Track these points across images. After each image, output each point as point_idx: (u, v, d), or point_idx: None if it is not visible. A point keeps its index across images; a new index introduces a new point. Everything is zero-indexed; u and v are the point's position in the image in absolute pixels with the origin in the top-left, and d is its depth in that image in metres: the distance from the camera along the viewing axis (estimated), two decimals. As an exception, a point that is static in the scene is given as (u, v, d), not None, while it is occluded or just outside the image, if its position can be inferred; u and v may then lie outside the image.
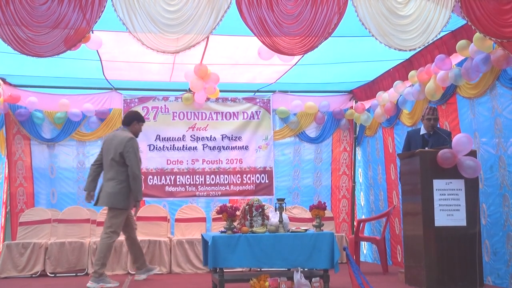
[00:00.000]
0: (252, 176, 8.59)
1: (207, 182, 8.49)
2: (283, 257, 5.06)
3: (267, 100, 8.75)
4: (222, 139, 8.59)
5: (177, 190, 8.39)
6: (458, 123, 6.08)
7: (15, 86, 7.93)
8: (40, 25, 4.39)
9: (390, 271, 6.75)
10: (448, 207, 5.16)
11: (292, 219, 7.33)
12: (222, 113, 8.63)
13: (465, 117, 5.96)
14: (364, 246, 8.76)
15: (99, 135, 8.42)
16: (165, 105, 8.47)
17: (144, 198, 7.65)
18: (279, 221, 5.24)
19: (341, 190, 9.01)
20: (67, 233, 7.32)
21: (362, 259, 8.14)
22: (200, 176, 8.48)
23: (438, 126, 5.76)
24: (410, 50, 4.79)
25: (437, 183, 5.18)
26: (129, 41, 5.02)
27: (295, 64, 7.05)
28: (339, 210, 8.96)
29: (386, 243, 7.26)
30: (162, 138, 8.38)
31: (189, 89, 8.04)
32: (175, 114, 8.47)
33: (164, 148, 8.41)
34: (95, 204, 6.22)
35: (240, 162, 8.61)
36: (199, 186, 8.46)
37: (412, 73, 6.61)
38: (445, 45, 5.95)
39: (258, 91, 8.72)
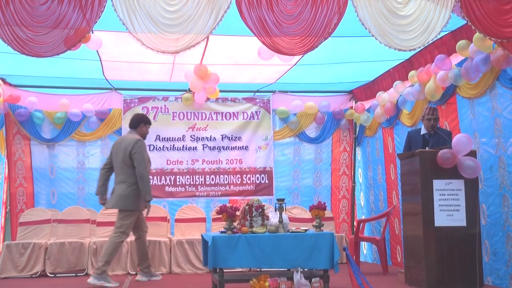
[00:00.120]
0: (252, 176, 8.59)
1: (207, 182, 8.48)
2: (283, 257, 5.05)
3: (267, 100, 8.75)
4: (222, 139, 8.59)
5: (177, 190, 8.39)
6: (458, 123, 6.08)
7: (15, 86, 7.94)
8: (40, 25, 4.39)
9: (390, 271, 6.75)
10: (448, 207, 5.16)
11: (292, 219, 7.33)
12: (222, 113, 8.63)
13: (465, 117, 5.96)
14: (364, 246, 8.76)
15: (99, 135, 8.44)
16: (165, 105, 8.47)
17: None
18: (279, 221, 5.24)
19: (341, 190, 9.01)
20: (67, 233, 7.31)
21: (362, 259, 8.14)
22: (200, 176, 8.48)
23: (439, 126, 5.76)
24: (410, 50, 4.79)
25: (437, 183, 5.18)
26: (129, 41, 5.02)
27: (295, 64, 7.05)
28: (339, 210, 8.96)
29: (386, 243, 7.25)
30: (162, 138, 8.38)
31: (189, 89, 8.04)
32: (175, 114, 8.47)
33: (164, 148, 8.40)
34: (106, 207, 6.30)
35: (240, 162, 8.61)
36: (199, 186, 8.46)
37: (412, 73, 6.61)
38: (445, 45, 5.95)
39: (258, 91, 8.72)
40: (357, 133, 9.06)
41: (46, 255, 6.99)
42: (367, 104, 8.45)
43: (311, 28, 4.62)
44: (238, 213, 5.34)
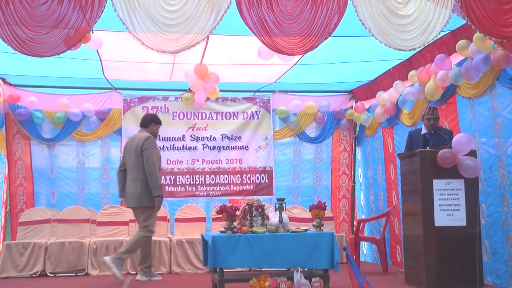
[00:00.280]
0: (252, 176, 8.59)
1: (207, 182, 8.48)
2: (283, 257, 5.05)
3: (267, 100, 8.75)
4: (222, 139, 8.59)
5: (177, 190, 8.39)
6: (458, 123, 6.08)
7: (15, 86, 7.94)
8: (40, 25, 4.39)
9: (390, 271, 6.75)
10: (448, 207, 5.16)
11: (292, 219, 7.32)
12: (222, 113, 8.63)
13: (464, 117, 5.96)
14: (364, 246, 8.76)
15: (99, 135, 8.44)
16: (165, 105, 8.47)
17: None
18: (279, 221, 5.24)
19: (341, 190, 9.01)
20: (67, 233, 7.31)
21: (362, 259, 8.14)
22: (200, 176, 8.48)
23: (439, 125, 5.76)
24: (410, 50, 4.79)
25: (437, 183, 5.17)
26: (129, 41, 5.02)
27: (295, 64, 7.05)
28: (339, 210, 8.96)
29: (386, 243, 7.25)
30: (162, 138, 8.38)
31: (189, 89, 8.04)
32: (175, 114, 8.47)
33: (164, 148, 8.40)
34: (127, 206, 6.46)
35: (240, 162, 8.61)
36: (199, 186, 8.46)
37: (412, 73, 6.61)
38: (445, 45, 5.94)
39: (258, 91, 8.72)
40: (357, 133, 9.06)
41: (46, 255, 6.99)
42: (367, 104, 8.45)
43: (311, 28, 4.62)
44: (238, 213, 5.34)
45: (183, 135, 8.46)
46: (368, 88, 8.34)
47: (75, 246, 7.06)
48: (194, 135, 8.51)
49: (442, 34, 5.04)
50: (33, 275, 6.91)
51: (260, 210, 5.32)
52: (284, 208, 5.30)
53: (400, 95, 7.13)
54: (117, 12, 4.41)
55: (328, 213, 7.29)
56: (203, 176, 8.49)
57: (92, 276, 6.89)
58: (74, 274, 7.00)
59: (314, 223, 5.37)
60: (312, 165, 8.97)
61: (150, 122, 6.47)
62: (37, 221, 7.44)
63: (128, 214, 7.73)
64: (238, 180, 8.56)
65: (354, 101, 8.78)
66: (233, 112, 8.66)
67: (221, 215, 5.24)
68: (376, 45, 4.79)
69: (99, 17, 4.42)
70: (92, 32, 5.49)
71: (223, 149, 8.59)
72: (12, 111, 8.05)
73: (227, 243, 5.01)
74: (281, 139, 8.89)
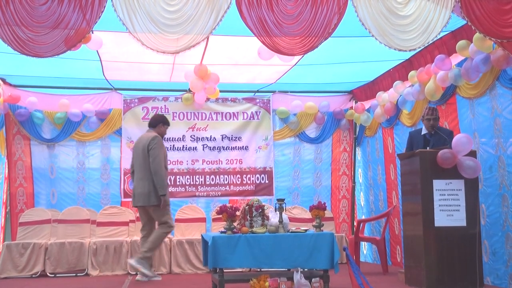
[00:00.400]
0: (252, 177, 8.59)
1: (207, 183, 8.48)
2: (283, 257, 5.05)
3: (267, 100, 8.75)
4: (222, 140, 8.59)
5: (177, 190, 8.39)
6: (458, 123, 6.08)
7: (15, 86, 7.94)
8: (40, 25, 4.39)
9: (390, 271, 6.75)
10: (448, 207, 5.16)
11: (292, 219, 7.33)
12: (222, 113, 8.63)
13: (464, 117, 5.96)
14: (364, 246, 8.76)
15: (99, 135, 8.44)
16: (165, 105, 8.46)
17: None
18: (279, 221, 5.24)
19: (341, 190, 9.01)
20: (67, 233, 7.32)
21: (362, 259, 8.14)
22: (200, 176, 8.48)
23: (439, 125, 5.76)
24: (410, 50, 4.79)
25: (437, 183, 5.17)
26: (129, 41, 5.01)
27: (295, 64, 7.05)
28: (339, 210, 8.96)
29: (386, 243, 7.25)
30: (162, 138, 8.36)
31: (189, 89, 8.04)
32: (175, 114, 8.47)
33: (164, 148, 8.39)
34: (134, 205, 6.49)
35: (240, 162, 8.61)
36: (199, 187, 8.45)
37: (412, 73, 6.61)
38: (445, 45, 5.95)
39: (258, 91, 8.72)
40: (357, 133, 9.06)
41: (46, 255, 6.99)
42: (367, 104, 8.45)
43: (311, 28, 4.62)
44: (238, 213, 5.34)
45: (183, 136, 8.46)
46: (368, 88, 8.35)
47: (75, 247, 7.06)
48: (194, 136, 8.51)
49: (442, 34, 5.03)
50: (33, 276, 6.91)
51: (260, 210, 5.32)
52: (284, 208, 5.30)
53: (400, 96, 7.13)
54: (117, 12, 4.41)
55: (328, 213, 7.29)
56: (203, 176, 8.49)
57: (92, 277, 6.89)
58: (74, 274, 7.00)
59: (314, 223, 5.37)
60: (312, 166, 8.97)
61: (158, 122, 6.55)
62: (37, 221, 7.45)
63: (128, 214, 7.75)
64: (238, 181, 8.56)
65: (354, 101, 8.78)
66: (233, 113, 8.66)
67: (221, 216, 5.24)
68: (376, 45, 4.80)
69: (99, 18, 4.42)
70: (92, 33, 5.49)
71: (223, 149, 8.59)
72: (12, 111, 8.05)
73: (227, 243, 5.00)
74: (281, 140, 8.89)
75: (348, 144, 9.11)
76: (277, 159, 8.81)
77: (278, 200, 5.29)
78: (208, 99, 8.36)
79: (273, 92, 8.71)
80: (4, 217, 8.05)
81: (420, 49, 5.04)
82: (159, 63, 6.98)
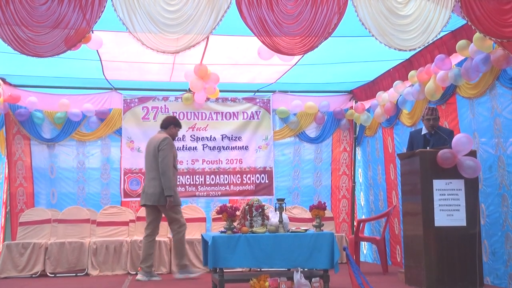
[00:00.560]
0: (252, 176, 8.59)
1: (207, 182, 8.49)
2: (283, 257, 5.05)
3: (267, 100, 8.75)
4: (222, 139, 8.59)
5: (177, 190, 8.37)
6: (458, 123, 6.08)
7: (15, 86, 7.93)
8: (40, 25, 4.39)
9: (390, 271, 6.75)
10: (448, 207, 5.16)
11: (292, 219, 7.33)
12: (222, 113, 8.63)
13: (464, 117, 5.96)
14: (364, 246, 8.77)
15: (99, 135, 8.44)
16: (165, 105, 8.47)
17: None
18: (279, 221, 5.24)
19: (341, 190, 9.01)
20: (67, 233, 7.32)
21: (362, 259, 8.14)
22: (200, 176, 8.48)
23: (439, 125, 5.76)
24: (410, 50, 4.79)
25: (437, 183, 5.17)
26: (129, 41, 5.02)
27: (295, 64, 7.05)
28: (339, 210, 8.96)
29: (386, 243, 7.25)
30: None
31: (189, 89, 8.04)
32: (175, 114, 8.45)
33: (164, 148, 8.38)
34: (143, 203, 6.51)
35: (240, 162, 8.61)
36: (199, 186, 8.46)
37: (412, 73, 6.61)
38: (445, 45, 5.95)
39: (258, 91, 8.72)
40: (357, 133, 9.06)
41: (46, 255, 7.00)
42: (367, 104, 8.45)
43: (311, 28, 4.62)
44: (238, 213, 5.34)
45: (183, 135, 8.45)
46: (368, 88, 8.35)
47: (75, 246, 7.07)
48: (194, 135, 8.51)
49: (442, 34, 5.03)
50: (33, 275, 6.92)
51: (260, 210, 5.32)
52: (284, 208, 5.30)
53: (400, 95, 7.13)
54: (117, 12, 4.41)
55: (328, 213, 7.29)
56: (203, 176, 8.49)
57: (92, 276, 6.89)
58: (74, 274, 7.01)
59: (314, 223, 5.37)
60: (312, 165, 8.97)
61: (170, 124, 6.64)
62: (37, 221, 7.45)
63: (128, 214, 7.76)
64: (238, 180, 8.56)
65: (354, 101, 8.78)
66: (233, 112, 8.66)
67: (221, 215, 5.24)
68: (376, 45, 4.79)
69: (99, 17, 4.41)
70: (92, 32, 5.49)
71: (223, 149, 8.59)
72: (12, 111, 8.04)
73: (227, 243, 5.01)
74: (281, 139, 8.89)
75: (348, 144, 9.11)
76: (277, 159, 8.81)
77: (278, 200, 5.29)
78: (208, 99, 8.36)
79: (273, 92, 8.71)
80: (4, 217, 8.05)
81: (420, 49, 5.04)
82: (159, 63, 6.98)
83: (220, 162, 8.56)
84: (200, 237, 5.93)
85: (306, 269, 5.24)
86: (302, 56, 6.30)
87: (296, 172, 8.90)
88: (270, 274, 4.98)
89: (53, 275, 6.95)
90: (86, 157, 8.44)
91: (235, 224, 5.23)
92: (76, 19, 4.40)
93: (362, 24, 4.61)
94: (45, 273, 6.96)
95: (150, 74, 7.66)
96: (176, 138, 8.34)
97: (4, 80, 7.58)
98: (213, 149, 8.56)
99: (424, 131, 5.72)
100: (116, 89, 8.37)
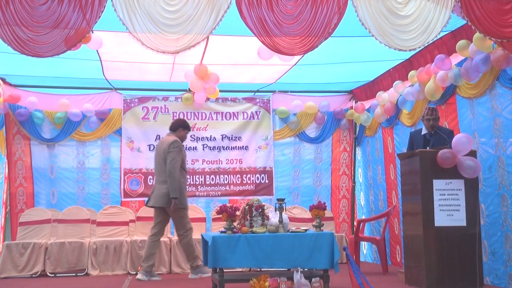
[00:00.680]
0: (252, 176, 8.59)
1: (207, 182, 8.48)
2: (283, 257, 5.05)
3: (267, 100, 8.75)
4: (222, 139, 8.59)
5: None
6: (458, 123, 6.08)
7: (15, 86, 7.93)
8: (40, 25, 4.39)
9: (390, 271, 6.75)
10: (448, 207, 5.16)
11: (292, 219, 7.33)
12: (222, 113, 8.63)
13: (464, 117, 5.96)
14: (364, 246, 8.77)
15: (99, 135, 8.44)
16: (165, 105, 8.46)
17: (144, 198, 7.64)
18: (279, 221, 5.24)
19: (341, 190, 9.01)
20: (67, 233, 7.32)
21: (362, 259, 8.14)
22: (200, 176, 8.48)
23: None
24: (410, 50, 4.79)
25: (437, 183, 5.17)
26: (129, 41, 5.02)
27: (295, 64, 7.05)
28: (339, 210, 8.96)
29: (386, 243, 7.25)
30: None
31: (189, 89, 8.04)
32: (175, 114, 8.47)
33: (164, 148, 8.37)
34: (148, 205, 6.55)
35: (240, 162, 8.61)
36: (199, 186, 8.46)
37: (412, 73, 6.61)
38: (445, 45, 5.95)
39: (258, 91, 8.72)
40: (357, 133, 9.06)
41: (46, 255, 7.00)
42: (367, 104, 8.45)
43: (311, 28, 4.62)
44: (238, 213, 5.34)
45: (183, 135, 8.44)
46: (368, 88, 8.35)
47: (75, 246, 7.07)
48: (194, 135, 8.51)
49: (442, 34, 5.04)
50: (33, 275, 6.92)
51: (260, 210, 5.32)
52: (284, 208, 5.30)
53: (400, 95, 7.13)
54: (117, 12, 4.41)
55: (328, 213, 7.29)
56: (203, 176, 8.49)
57: (92, 276, 6.89)
58: (74, 274, 7.01)
59: (314, 223, 5.37)
60: (312, 165, 8.97)
61: (179, 127, 6.70)
62: (37, 221, 7.45)
63: (128, 214, 7.76)
64: (238, 180, 8.56)
65: (354, 101, 8.78)
66: (233, 112, 8.66)
67: (221, 215, 5.24)
68: (376, 45, 4.80)
69: (99, 18, 4.41)
70: (92, 32, 5.49)
71: (223, 149, 8.59)
72: (12, 111, 8.04)
73: (227, 243, 5.01)
74: (281, 139, 8.89)
75: (348, 144, 9.11)
76: (277, 159, 8.81)
77: (278, 200, 5.29)
78: (208, 99, 8.36)
79: (273, 92, 8.71)
80: (4, 217, 8.05)
81: (420, 49, 5.05)
82: (159, 63, 6.98)
83: (220, 162, 8.56)
84: (200, 237, 5.93)
85: (306, 269, 5.24)
86: (302, 56, 6.30)
87: (296, 172, 8.90)
88: (270, 274, 4.98)
89: (53, 275, 6.95)
90: (86, 157, 8.44)
91: (235, 224, 5.23)
92: (76, 19, 4.40)
93: (362, 24, 4.61)
94: (45, 273, 6.96)
95: (150, 74, 7.66)
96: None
97: (4, 80, 7.58)
98: (213, 149, 8.56)
99: (424, 131, 5.72)
100: (116, 89, 8.37)
